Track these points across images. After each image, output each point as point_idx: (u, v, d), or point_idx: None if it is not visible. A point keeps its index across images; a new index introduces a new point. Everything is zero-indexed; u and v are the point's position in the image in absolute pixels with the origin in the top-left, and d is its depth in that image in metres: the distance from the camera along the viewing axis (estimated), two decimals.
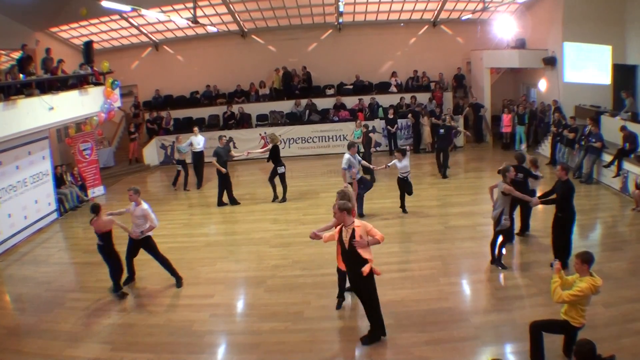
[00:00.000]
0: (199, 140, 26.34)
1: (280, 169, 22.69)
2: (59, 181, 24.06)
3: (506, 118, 31.23)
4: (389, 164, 20.59)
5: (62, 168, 24.83)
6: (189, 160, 26.71)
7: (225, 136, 24.37)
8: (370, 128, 27.32)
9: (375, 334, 11.68)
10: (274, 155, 22.76)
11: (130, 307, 14.21)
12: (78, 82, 23.40)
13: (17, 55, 22.50)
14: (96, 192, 26.43)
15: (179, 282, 15.38)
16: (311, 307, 13.41)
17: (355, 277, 11.36)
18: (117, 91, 25.17)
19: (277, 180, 23.01)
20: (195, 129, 27.34)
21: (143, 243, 15.29)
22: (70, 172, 25.41)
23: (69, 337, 12.59)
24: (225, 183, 23.19)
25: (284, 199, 23.08)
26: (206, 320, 13.28)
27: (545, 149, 29.01)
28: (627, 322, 11.63)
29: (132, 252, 15.58)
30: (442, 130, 26.47)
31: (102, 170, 28.42)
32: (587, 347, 7.88)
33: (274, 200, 23.15)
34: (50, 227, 22.28)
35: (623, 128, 22.67)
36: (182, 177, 26.53)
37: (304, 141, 32.43)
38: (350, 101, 34.64)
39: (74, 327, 13.11)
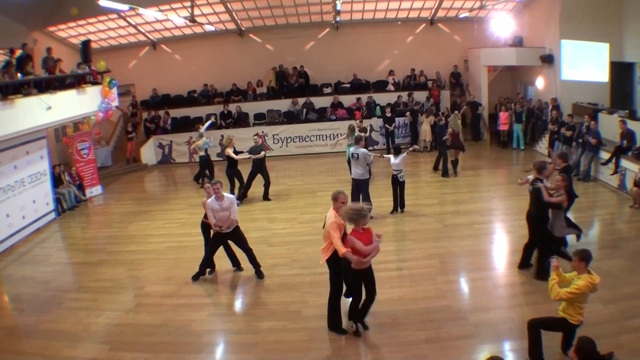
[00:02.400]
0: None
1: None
2: (56, 181, 24.06)
3: (503, 116, 31.27)
4: (385, 155, 20.72)
5: (60, 168, 24.79)
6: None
7: (258, 133, 24.74)
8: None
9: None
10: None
11: (128, 307, 14.18)
12: (76, 82, 23.43)
13: (14, 54, 22.43)
14: (94, 191, 26.41)
15: (259, 273, 15.54)
16: (309, 306, 13.40)
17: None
18: (114, 90, 25.15)
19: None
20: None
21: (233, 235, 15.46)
22: (68, 171, 25.36)
23: (67, 337, 12.59)
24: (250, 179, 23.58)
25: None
26: (204, 319, 13.30)
27: (542, 146, 29.06)
28: (625, 319, 11.65)
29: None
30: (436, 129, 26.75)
31: (99, 169, 28.38)
32: (588, 345, 7.90)
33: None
34: (49, 227, 22.24)
35: (622, 122, 22.69)
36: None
37: (301, 140, 32.40)
38: (348, 100, 34.70)
39: (72, 327, 13.10)
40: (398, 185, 20.47)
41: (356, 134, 21.69)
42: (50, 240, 20.85)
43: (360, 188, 19.55)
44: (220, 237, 15.27)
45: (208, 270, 15.74)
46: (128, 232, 20.73)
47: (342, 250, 11.02)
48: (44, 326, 13.24)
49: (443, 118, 27.47)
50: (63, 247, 20.29)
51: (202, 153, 25.92)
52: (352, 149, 19.67)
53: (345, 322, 12.07)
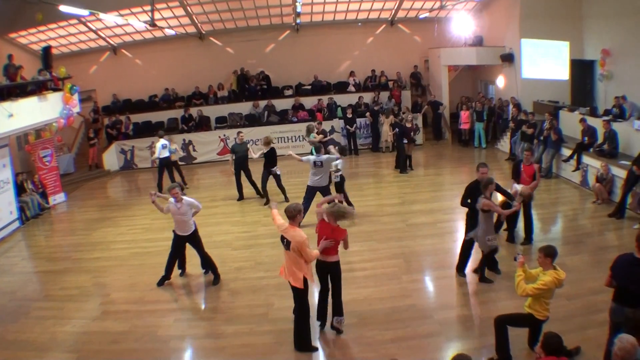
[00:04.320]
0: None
1: (276, 171, 22.80)
2: (20, 189, 23.87)
3: (464, 115, 31.56)
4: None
5: (22, 176, 24.65)
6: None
7: (241, 132, 25.02)
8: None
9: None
10: (270, 158, 22.89)
11: (94, 314, 14.13)
12: (37, 88, 23.28)
13: None
14: (57, 199, 26.22)
15: (216, 279, 15.56)
16: (275, 309, 13.49)
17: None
18: (76, 96, 24.99)
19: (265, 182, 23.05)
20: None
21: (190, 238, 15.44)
22: (30, 179, 25.18)
23: (35, 346, 12.54)
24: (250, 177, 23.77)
25: (286, 199, 22.66)
26: (171, 325, 13.30)
27: (504, 144, 29.34)
28: (591, 314, 11.82)
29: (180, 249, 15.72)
30: (396, 129, 26.89)
31: (62, 176, 28.20)
32: (554, 340, 7.99)
33: (266, 204, 22.86)
34: (13, 236, 22.05)
35: (582, 120, 22.97)
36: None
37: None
38: (309, 102, 34.77)
39: (39, 336, 13.03)
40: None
41: (312, 136, 21.57)
42: (15, 250, 20.67)
43: (323, 194, 19.42)
44: (179, 240, 15.35)
45: (180, 271, 15.87)
46: (92, 239, 20.63)
47: (318, 252, 11.33)
48: (11, 336, 13.17)
49: (403, 117, 27.79)
50: (28, 256, 20.09)
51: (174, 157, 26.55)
52: (314, 157, 19.45)
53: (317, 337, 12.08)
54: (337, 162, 19.91)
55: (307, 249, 10.95)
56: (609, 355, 9.42)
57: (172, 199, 14.89)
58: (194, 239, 15.43)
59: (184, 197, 15.09)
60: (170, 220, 15.85)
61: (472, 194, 14.47)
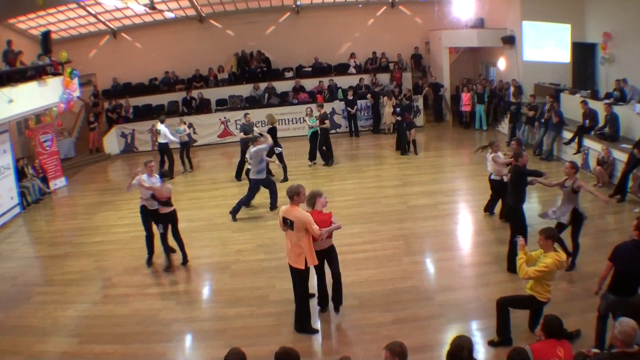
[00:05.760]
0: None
1: (277, 150, 22.70)
2: (20, 174, 23.86)
3: (465, 97, 31.48)
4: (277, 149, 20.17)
5: (23, 161, 24.65)
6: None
7: (249, 113, 25.62)
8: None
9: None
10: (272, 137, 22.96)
11: (96, 298, 14.17)
12: (37, 73, 23.21)
13: None
14: (58, 183, 26.19)
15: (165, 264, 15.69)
16: (276, 291, 13.53)
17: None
18: (75, 81, 24.94)
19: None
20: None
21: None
22: (31, 164, 25.17)
23: (37, 332, 12.58)
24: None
25: (285, 179, 23.17)
26: (172, 308, 13.34)
27: (505, 127, 29.25)
28: (591, 297, 11.55)
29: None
30: (398, 110, 26.80)
31: (63, 161, 28.14)
32: (555, 322, 7.98)
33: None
34: (14, 222, 22.05)
35: (584, 103, 22.91)
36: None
37: (263, 125, 31.95)
38: (310, 83, 34.68)
39: (41, 321, 13.08)
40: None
41: (312, 120, 21.69)
42: (16, 235, 20.69)
43: (266, 186, 19.84)
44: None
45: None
46: (93, 223, 20.66)
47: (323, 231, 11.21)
48: (13, 322, 13.22)
49: (403, 98, 27.80)
50: (29, 241, 20.14)
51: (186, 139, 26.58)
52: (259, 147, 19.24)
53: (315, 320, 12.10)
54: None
55: (314, 226, 10.92)
56: (599, 339, 9.54)
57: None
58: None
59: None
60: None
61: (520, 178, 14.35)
